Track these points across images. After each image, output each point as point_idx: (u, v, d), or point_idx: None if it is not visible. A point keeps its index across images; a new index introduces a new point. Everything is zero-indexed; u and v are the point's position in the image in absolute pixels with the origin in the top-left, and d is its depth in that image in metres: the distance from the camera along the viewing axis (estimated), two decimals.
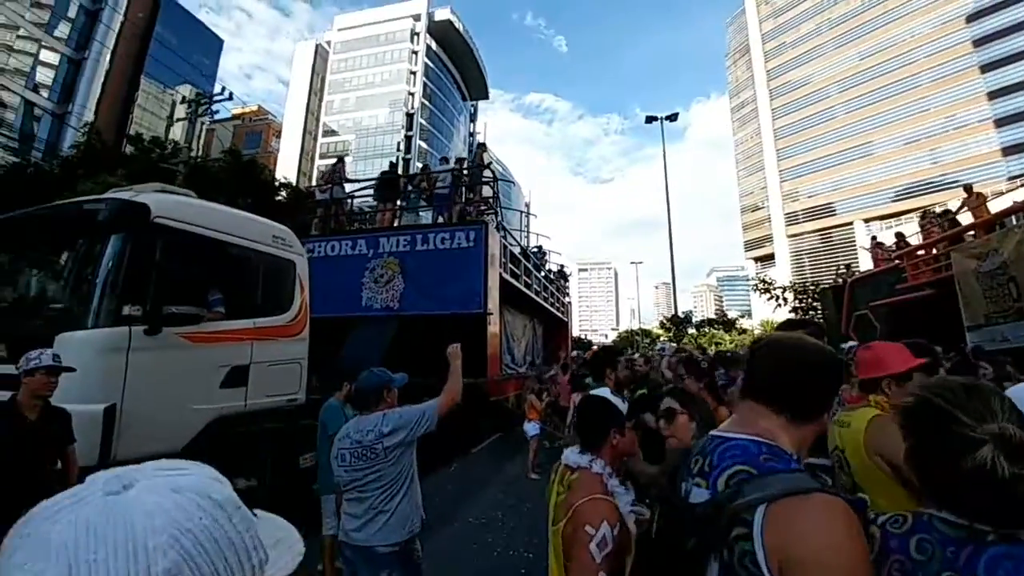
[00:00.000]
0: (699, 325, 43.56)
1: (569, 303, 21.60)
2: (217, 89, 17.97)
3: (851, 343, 5.84)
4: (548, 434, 8.26)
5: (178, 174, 14.77)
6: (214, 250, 4.18)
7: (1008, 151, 49.96)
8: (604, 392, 1.80)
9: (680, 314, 32.92)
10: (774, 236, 71.48)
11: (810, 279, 35.14)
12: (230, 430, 4.03)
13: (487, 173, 10.84)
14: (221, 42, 44.65)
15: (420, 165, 20.14)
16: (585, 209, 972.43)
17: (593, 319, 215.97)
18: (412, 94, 62.97)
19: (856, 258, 38.48)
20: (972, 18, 55.59)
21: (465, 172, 10.83)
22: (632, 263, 58.55)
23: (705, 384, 3.50)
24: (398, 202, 11.28)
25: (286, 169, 51.30)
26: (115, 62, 29.25)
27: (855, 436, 1.86)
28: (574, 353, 16.89)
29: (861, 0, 65.99)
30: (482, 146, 12.75)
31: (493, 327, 9.56)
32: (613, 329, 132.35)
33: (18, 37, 24.93)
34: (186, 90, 34.86)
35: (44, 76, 26.18)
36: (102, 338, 3.28)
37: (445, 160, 13.08)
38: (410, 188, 11.69)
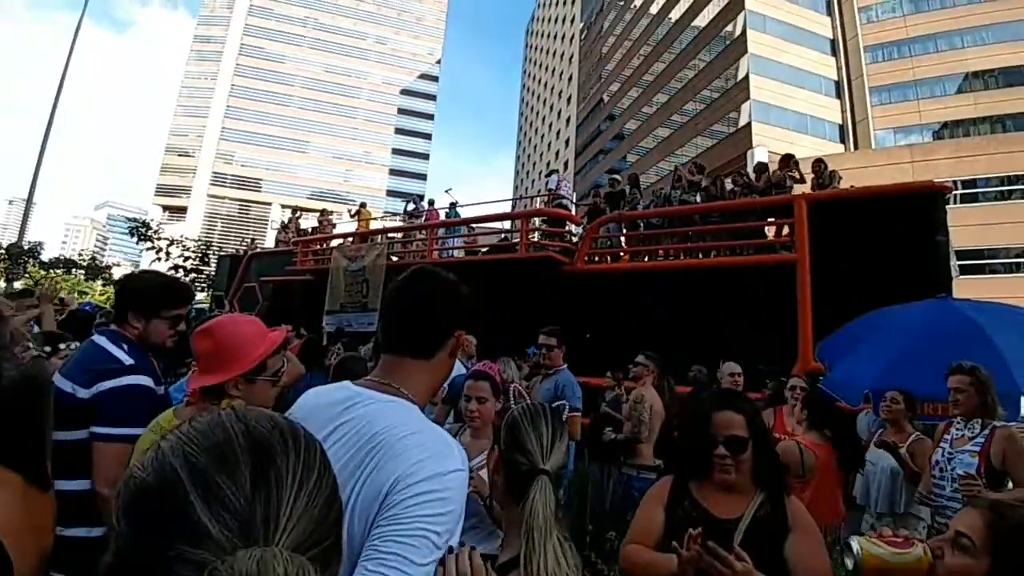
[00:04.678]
0: (52, 264, 32.00)
1: None
2: None
3: None
4: None
5: None
6: None
7: (390, 193, 68.84)
8: None
9: (26, 244, 23.47)
10: (194, 190, 66.57)
11: (216, 244, 33.89)
12: None
13: None
14: None
15: None
16: None
17: None
18: None
19: (264, 237, 40.80)
20: (404, 92, 76.24)
21: None
22: None
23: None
24: None
25: None
26: None
27: None
28: None
29: (345, 22, 75.83)
30: None
31: None
32: None
33: None
34: None
35: None
36: None
37: None
38: None
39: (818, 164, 7.48)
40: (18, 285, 23.25)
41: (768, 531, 1.45)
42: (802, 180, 7.52)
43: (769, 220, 7.39)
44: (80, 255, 38.39)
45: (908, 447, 3.03)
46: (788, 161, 7.65)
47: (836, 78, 30.66)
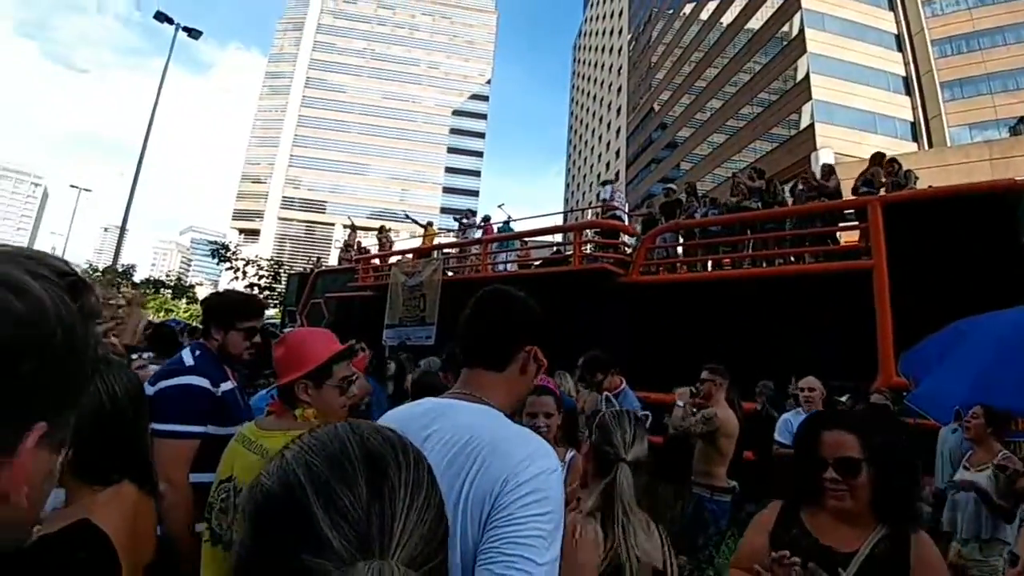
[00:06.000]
0: (142, 285, 35.45)
1: None
2: None
3: None
4: None
5: None
6: None
7: (443, 210, 70.97)
8: None
9: (120, 266, 25.80)
10: (266, 214, 71.31)
11: (286, 263, 36.07)
12: None
13: None
14: None
15: None
16: (27, 93, 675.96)
17: None
18: None
19: (328, 255, 42.85)
20: (456, 112, 78.66)
21: None
22: (74, 187, 36.18)
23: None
24: None
25: None
26: None
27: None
28: None
29: (400, 50, 79.61)
30: None
31: None
32: None
33: None
34: None
35: None
36: None
37: None
38: None
39: (891, 164, 7.01)
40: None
41: (886, 571, 1.31)
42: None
43: (842, 224, 7.00)
44: (167, 276, 42.09)
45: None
46: (880, 160, 7.19)
47: (904, 74, 28.75)
